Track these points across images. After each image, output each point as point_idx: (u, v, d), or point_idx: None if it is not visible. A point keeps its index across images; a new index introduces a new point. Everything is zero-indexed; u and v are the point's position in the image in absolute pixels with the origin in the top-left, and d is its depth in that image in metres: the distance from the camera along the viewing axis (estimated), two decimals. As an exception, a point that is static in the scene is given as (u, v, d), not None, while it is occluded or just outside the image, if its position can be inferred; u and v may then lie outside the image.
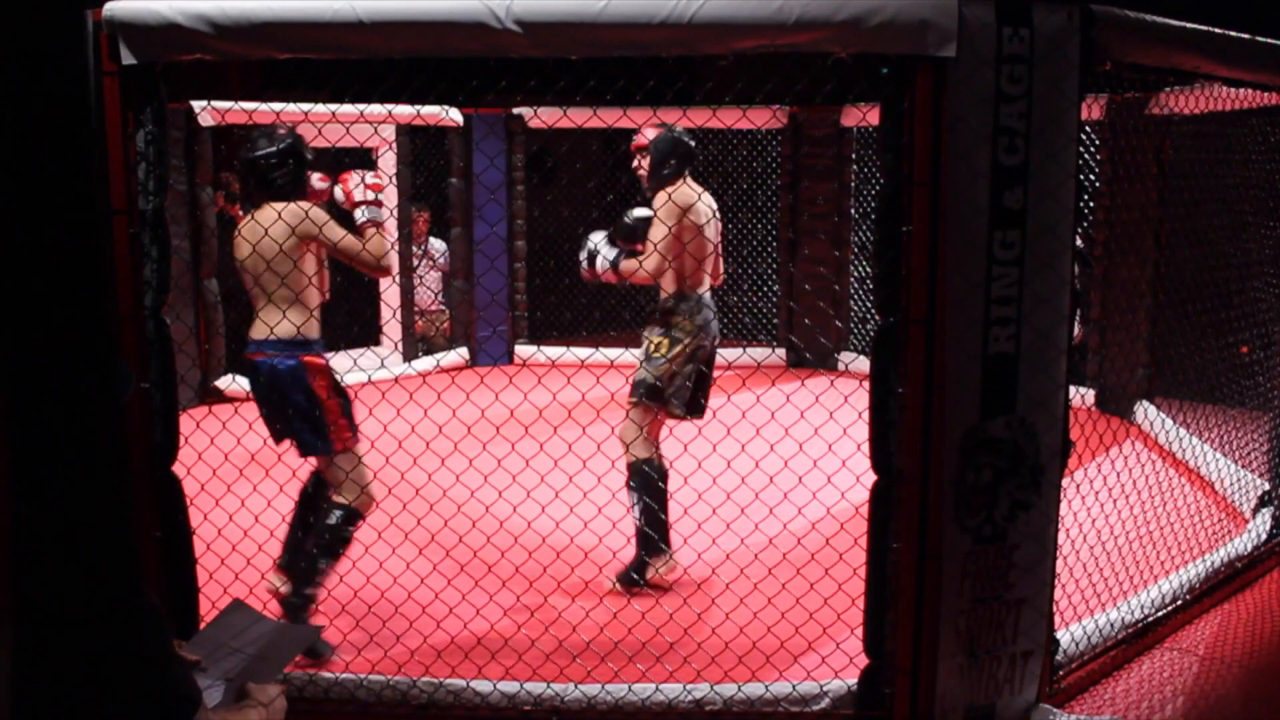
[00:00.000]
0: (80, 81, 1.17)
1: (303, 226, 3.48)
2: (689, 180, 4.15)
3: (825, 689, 3.07)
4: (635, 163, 4.29)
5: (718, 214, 4.26)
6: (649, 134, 4.21)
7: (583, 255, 4.31)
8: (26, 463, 1.11)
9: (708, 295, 4.19)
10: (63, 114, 1.10)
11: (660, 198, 4.06)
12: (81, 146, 1.14)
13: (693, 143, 4.19)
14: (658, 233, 3.99)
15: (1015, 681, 3.01)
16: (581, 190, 9.22)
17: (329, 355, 3.71)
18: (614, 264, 4.19)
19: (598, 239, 4.28)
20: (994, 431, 2.86)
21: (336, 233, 3.55)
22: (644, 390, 4.07)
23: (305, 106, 6.83)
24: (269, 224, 3.48)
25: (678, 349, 4.07)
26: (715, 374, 4.29)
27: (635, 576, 4.07)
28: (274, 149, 3.59)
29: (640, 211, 4.23)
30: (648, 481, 4.04)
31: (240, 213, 7.02)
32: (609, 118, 7.06)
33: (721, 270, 4.42)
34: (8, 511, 1.12)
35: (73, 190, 1.12)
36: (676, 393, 4.07)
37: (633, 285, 4.64)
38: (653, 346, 4.10)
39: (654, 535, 4.02)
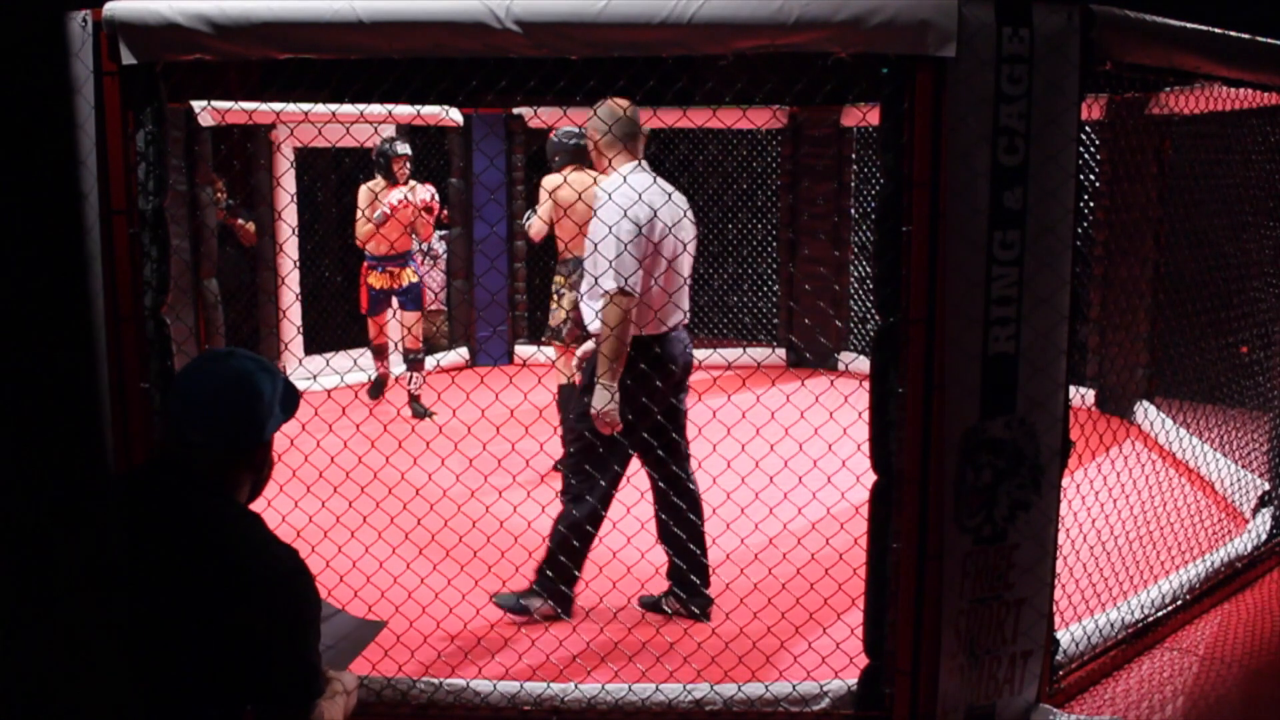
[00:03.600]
0: (60, 81, 1.15)
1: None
2: (573, 170, 5.34)
3: (825, 689, 3.07)
4: None
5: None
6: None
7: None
8: (8, 464, 1.10)
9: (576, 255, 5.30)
10: (43, 115, 1.09)
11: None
12: (64, 149, 1.13)
13: (571, 142, 5.44)
14: (541, 208, 5.46)
15: (1015, 681, 3.01)
16: (581, 190, 9.20)
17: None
18: (525, 224, 5.74)
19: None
20: (994, 431, 2.86)
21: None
22: (551, 334, 5.55)
23: (305, 106, 6.83)
24: None
25: (566, 300, 5.38)
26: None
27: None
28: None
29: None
30: (566, 398, 5.26)
31: (238, 222, 7.03)
32: (609, 118, 7.03)
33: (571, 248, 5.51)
34: None
35: (56, 194, 1.11)
36: (567, 331, 5.40)
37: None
38: (554, 304, 5.46)
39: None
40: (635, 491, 3.97)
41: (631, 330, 3.50)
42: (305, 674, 1.84)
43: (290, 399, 1.97)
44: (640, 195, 3.46)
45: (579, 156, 5.32)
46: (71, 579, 1.15)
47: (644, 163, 3.69)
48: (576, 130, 5.40)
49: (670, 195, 3.59)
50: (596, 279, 3.52)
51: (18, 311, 1.07)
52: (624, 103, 3.72)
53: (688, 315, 3.76)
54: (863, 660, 3.09)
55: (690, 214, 3.74)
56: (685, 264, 3.66)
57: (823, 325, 8.10)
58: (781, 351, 8.38)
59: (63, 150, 1.12)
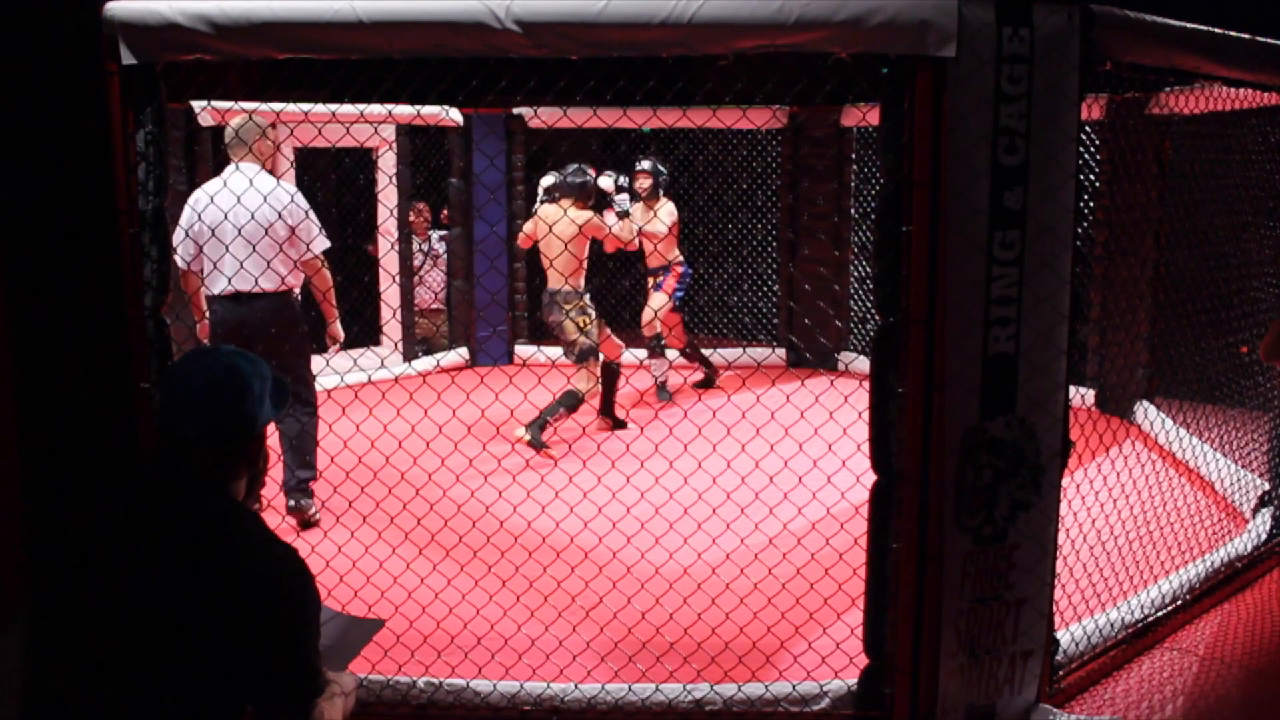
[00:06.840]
0: (96, 81, 1.16)
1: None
2: (566, 202, 5.99)
3: (825, 689, 3.07)
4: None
5: (571, 220, 5.82)
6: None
7: None
8: (38, 462, 1.11)
9: (554, 287, 6.06)
10: (79, 114, 1.09)
11: None
12: (97, 146, 1.13)
13: (565, 180, 6.01)
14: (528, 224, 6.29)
15: (1015, 681, 3.01)
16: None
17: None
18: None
19: None
20: (994, 431, 2.86)
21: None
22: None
23: (305, 106, 6.82)
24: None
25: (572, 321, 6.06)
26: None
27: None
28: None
29: None
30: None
31: None
32: (609, 118, 7.05)
33: (558, 271, 6.01)
34: (18, 510, 1.12)
35: (89, 191, 1.12)
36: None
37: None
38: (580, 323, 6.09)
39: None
40: (635, 491, 3.98)
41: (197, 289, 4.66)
42: (304, 673, 1.85)
43: (280, 393, 1.99)
44: (205, 191, 4.54)
45: (570, 191, 6.02)
46: (96, 573, 1.15)
47: (246, 162, 4.55)
48: (577, 167, 6.11)
49: (241, 194, 4.22)
50: None
51: (59, 306, 1.08)
52: (242, 114, 4.65)
53: (261, 284, 4.44)
54: (863, 660, 3.09)
55: (287, 210, 4.46)
56: (241, 245, 4.31)
57: (823, 325, 8.09)
58: (781, 351, 8.38)
59: (98, 148, 1.13)
